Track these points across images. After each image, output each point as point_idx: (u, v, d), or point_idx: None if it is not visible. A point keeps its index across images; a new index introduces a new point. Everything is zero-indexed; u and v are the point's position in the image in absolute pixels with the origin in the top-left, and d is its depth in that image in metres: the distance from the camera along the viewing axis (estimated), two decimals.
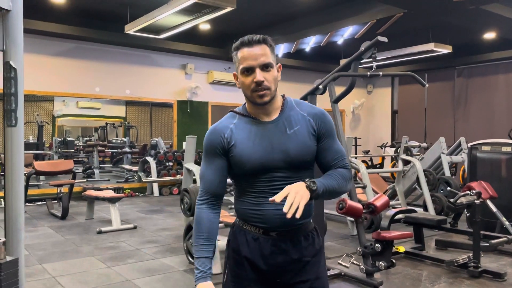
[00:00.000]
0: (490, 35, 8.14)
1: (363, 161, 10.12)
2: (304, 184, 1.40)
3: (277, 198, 1.35)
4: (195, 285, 1.45)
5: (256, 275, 1.50)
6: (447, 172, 6.91)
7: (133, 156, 11.24)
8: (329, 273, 3.68)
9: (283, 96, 1.54)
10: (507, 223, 4.48)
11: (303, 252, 1.50)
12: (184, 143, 7.56)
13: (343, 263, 3.63)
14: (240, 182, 1.52)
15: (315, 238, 1.54)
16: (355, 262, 3.54)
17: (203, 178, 1.53)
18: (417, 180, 6.33)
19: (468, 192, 4.07)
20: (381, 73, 3.96)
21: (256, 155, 1.44)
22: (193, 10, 5.62)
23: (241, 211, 1.53)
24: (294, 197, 1.35)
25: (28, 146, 9.55)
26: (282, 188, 1.41)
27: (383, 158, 11.00)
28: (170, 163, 8.75)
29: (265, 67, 1.41)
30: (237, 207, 1.55)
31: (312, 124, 1.49)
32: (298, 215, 1.33)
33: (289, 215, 1.32)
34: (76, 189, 7.13)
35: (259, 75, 1.40)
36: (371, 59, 3.97)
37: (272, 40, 1.48)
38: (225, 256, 1.59)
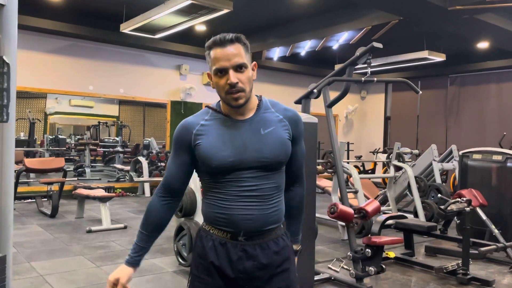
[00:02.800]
0: (483, 45, 8.22)
1: (355, 166, 10.16)
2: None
3: None
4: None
5: (223, 282, 1.44)
6: (438, 179, 6.96)
7: (125, 155, 11.19)
8: (318, 277, 3.68)
9: (259, 96, 1.49)
10: (496, 231, 4.51)
11: (272, 258, 1.45)
12: None
13: (333, 268, 3.64)
14: (207, 182, 1.46)
15: (285, 243, 1.50)
16: (345, 266, 3.55)
17: (167, 170, 1.51)
18: (408, 187, 6.36)
19: (459, 199, 4.09)
20: (375, 79, 3.98)
21: (225, 152, 1.38)
22: (190, 11, 5.62)
23: (208, 214, 1.47)
24: None
25: (19, 143, 9.47)
26: (251, 190, 1.40)
27: (375, 163, 11.05)
28: (162, 164, 8.72)
29: (239, 67, 1.37)
30: (204, 210, 1.49)
31: (287, 126, 1.46)
32: None
33: None
34: (66, 187, 7.07)
35: (232, 76, 1.35)
36: (365, 65, 3.99)
37: (246, 38, 1.43)
38: (191, 263, 1.53)
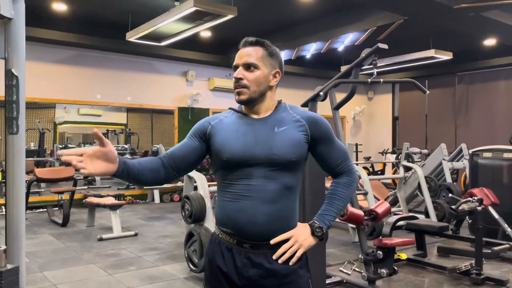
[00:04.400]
0: (490, 42, 8.16)
1: (364, 168, 10.11)
2: (310, 230, 1.45)
3: (273, 241, 1.40)
4: None
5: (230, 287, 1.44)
6: (449, 179, 6.90)
7: None
8: (330, 280, 3.66)
9: (279, 101, 1.54)
10: (509, 229, 4.46)
11: (278, 266, 1.41)
12: None
13: (344, 270, 3.61)
14: (219, 180, 1.49)
15: (293, 254, 1.44)
16: (357, 269, 3.52)
17: (173, 147, 1.54)
18: (419, 187, 6.31)
19: (470, 198, 4.05)
20: (381, 80, 3.96)
21: (237, 146, 1.42)
22: (194, 18, 5.65)
23: (217, 216, 1.49)
24: (291, 244, 1.42)
25: (29, 153, 9.56)
26: (259, 191, 1.40)
27: (384, 164, 10.99)
28: None
29: (248, 66, 1.45)
30: (216, 212, 1.51)
31: (304, 127, 1.46)
32: (291, 263, 1.42)
33: (280, 261, 1.41)
34: (77, 196, 7.12)
35: (237, 72, 1.46)
36: (371, 66, 3.98)
37: (271, 44, 1.50)
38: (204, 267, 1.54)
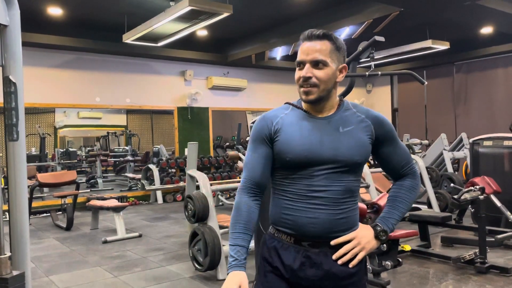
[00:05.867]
0: (487, 30, 8.14)
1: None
2: (373, 233, 1.41)
3: (334, 242, 1.36)
4: (227, 273, 1.33)
5: (285, 287, 1.40)
6: (450, 169, 6.90)
7: (135, 164, 11.27)
8: None
9: (340, 98, 1.48)
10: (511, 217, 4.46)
11: (338, 268, 1.37)
12: (186, 150, 7.58)
13: None
14: (277, 179, 1.44)
15: (354, 256, 1.39)
16: None
17: (246, 166, 1.45)
18: (420, 178, 6.31)
19: (472, 187, 4.06)
20: (379, 73, 3.96)
21: (302, 146, 1.36)
22: (190, 17, 5.64)
23: (273, 215, 1.44)
24: (353, 246, 1.37)
25: (30, 158, 9.59)
26: (321, 191, 1.36)
27: None
28: (173, 170, 8.77)
29: (316, 63, 1.36)
30: (271, 211, 1.46)
31: (369, 127, 1.41)
32: (351, 265, 1.37)
33: (340, 262, 1.36)
34: (80, 199, 7.14)
35: (306, 70, 1.36)
36: (369, 59, 3.97)
37: (338, 37, 1.41)
38: (256, 266, 1.49)
